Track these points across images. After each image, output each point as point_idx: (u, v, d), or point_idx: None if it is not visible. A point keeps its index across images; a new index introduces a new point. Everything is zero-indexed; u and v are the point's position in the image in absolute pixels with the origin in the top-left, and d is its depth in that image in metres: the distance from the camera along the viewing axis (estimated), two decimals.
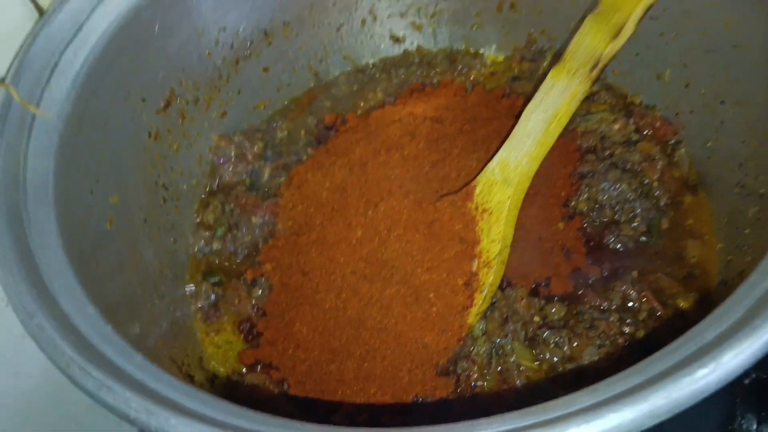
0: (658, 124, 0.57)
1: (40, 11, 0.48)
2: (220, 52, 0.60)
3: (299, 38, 0.64)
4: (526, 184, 0.51)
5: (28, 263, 0.37)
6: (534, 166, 0.50)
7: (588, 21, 0.49)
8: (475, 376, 0.48)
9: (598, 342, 0.47)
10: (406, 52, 0.67)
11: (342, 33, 0.66)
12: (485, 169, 0.51)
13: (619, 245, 0.52)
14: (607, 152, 0.56)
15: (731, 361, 0.28)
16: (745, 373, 0.30)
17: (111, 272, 0.44)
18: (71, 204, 0.43)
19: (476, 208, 0.51)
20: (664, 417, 0.28)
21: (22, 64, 0.45)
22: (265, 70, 0.63)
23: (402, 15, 0.66)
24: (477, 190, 0.51)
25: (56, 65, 0.47)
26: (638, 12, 0.47)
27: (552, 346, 0.48)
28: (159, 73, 0.55)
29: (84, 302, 0.36)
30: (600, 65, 0.48)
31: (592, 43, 0.49)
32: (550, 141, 0.50)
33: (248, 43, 0.61)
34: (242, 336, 0.53)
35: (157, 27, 0.54)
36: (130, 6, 0.51)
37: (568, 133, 0.56)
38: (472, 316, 0.48)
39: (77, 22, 0.48)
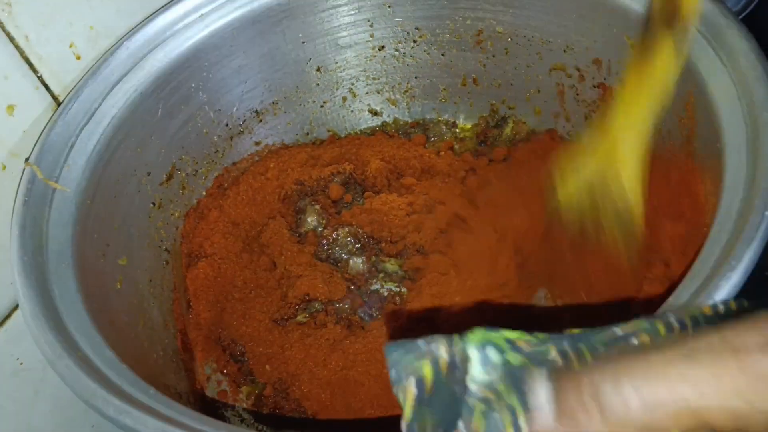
0: None
1: (58, 103, 0.55)
2: (216, 130, 0.67)
3: (287, 115, 0.71)
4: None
5: (54, 316, 0.42)
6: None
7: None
8: None
9: None
10: (384, 124, 0.75)
11: (325, 109, 0.73)
12: None
13: None
14: None
15: None
16: None
17: (123, 325, 0.49)
18: (87, 266, 0.49)
19: None
20: None
21: (44, 146, 0.52)
22: (257, 143, 0.70)
23: (378, 92, 0.74)
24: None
25: (73, 146, 0.53)
26: None
27: None
28: (162, 150, 0.61)
29: (102, 347, 0.41)
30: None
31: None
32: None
33: (241, 122, 0.68)
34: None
35: (159, 111, 0.61)
36: (136, 94, 0.58)
37: None
38: None
39: (90, 110, 0.55)
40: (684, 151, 0.48)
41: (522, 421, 0.26)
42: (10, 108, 0.50)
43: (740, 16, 0.58)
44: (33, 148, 0.52)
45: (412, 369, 0.28)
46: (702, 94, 0.45)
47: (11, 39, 0.48)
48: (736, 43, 0.43)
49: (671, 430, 0.24)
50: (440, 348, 0.29)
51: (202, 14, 0.62)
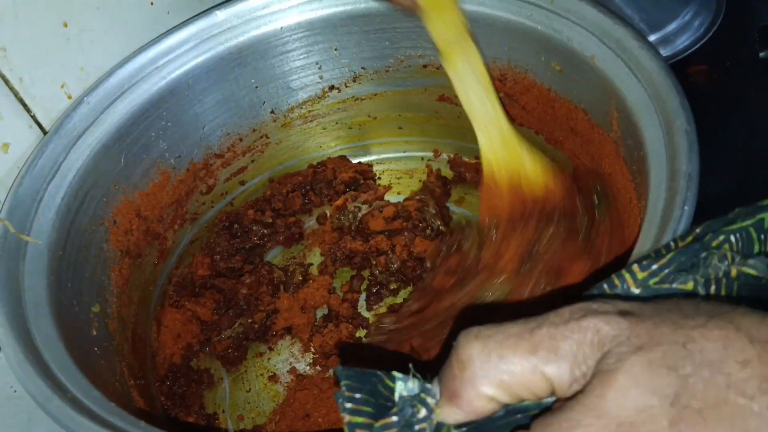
0: None
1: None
2: (175, 177, 0.70)
3: (245, 157, 0.74)
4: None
5: (39, 362, 0.44)
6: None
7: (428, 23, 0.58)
8: None
9: None
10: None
11: (281, 147, 0.77)
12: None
13: None
14: None
15: None
16: None
17: (103, 369, 0.51)
18: (63, 315, 0.50)
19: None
20: None
21: (13, 201, 0.54)
22: (207, 191, 0.73)
23: (332, 129, 0.78)
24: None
25: (41, 200, 0.55)
26: None
27: None
28: (126, 198, 0.64)
29: (89, 388, 0.43)
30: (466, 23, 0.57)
31: (446, 26, 0.57)
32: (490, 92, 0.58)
33: (202, 172, 0.71)
34: None
35: (122, 161, 0.63)
36: (99, 146, 0.60)
37: None
38: None
39: (56, 164, 0.57)
40: (617, 160, 0.53)
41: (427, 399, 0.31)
42: (5, 146, 0.54)
43: (704, 39, 0.65)
44: (2, 204, 0.53)
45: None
46: (623, 108, 0.51)
47: (6, 81, 0.52)
48: (649, 63, 0.49)
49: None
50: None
51: (158, 66, 0.65)
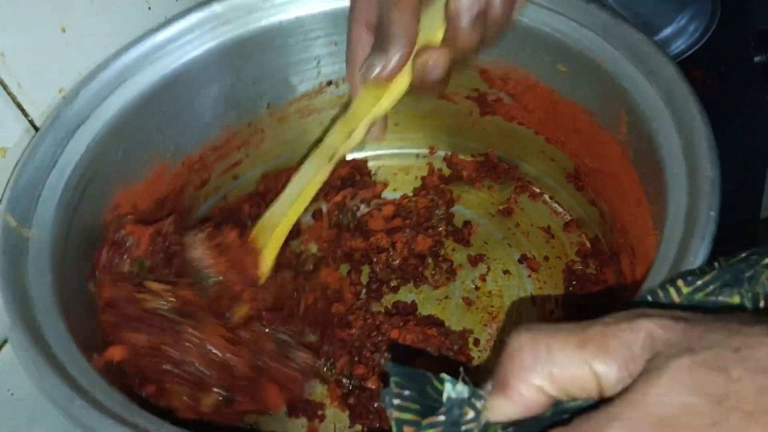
0: None
1: None
2: (173, 168, 0.68)
3: (240, 151, 0.73)
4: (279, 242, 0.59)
5: (53, 361, 0.42)
6: (285, 229, 0.59)
7: (337, 121, 0.57)
8: None
9: None
10: None
11: (278, 142, 0.76)
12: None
13: None
14: None
15: None
16: None
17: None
18: (71, 310, 0.49)
19: None
20: None
21: (12, 195, 0.52)
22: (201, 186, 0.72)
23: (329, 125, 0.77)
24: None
25: (40, 195, 0.53)
26: (365, 122, 0.54)
27: None
28: (124, 192, 0.62)
29: (104, 386, 0.42)
30: (335, 158, 0.57)
31: (334, 140, 0.57)
32: (299, 208, 0.58)
33: (197, 165, 0.70)
34: None
35: (120, 153, 0.61)
36: (98, 137, 0.58)
37: None
38: None
39: (54, 157, 0.55)
40: (624, 163, 0.54)
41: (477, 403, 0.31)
42: (2, 150, 0.52)
43: (699, 44, 0.66)
44: (1, 198, 0.51)
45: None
46: (634, 111, 0.52)
47: (5, 86, 0.51)
48: (663, 67, 0.50)
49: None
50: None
51: (157, 57, 0.63)
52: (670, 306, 0.33)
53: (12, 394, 0.55)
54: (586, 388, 0.29)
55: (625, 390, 0.28)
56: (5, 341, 0.54)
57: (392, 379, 0.31)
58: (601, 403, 0.30)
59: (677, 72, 0.49)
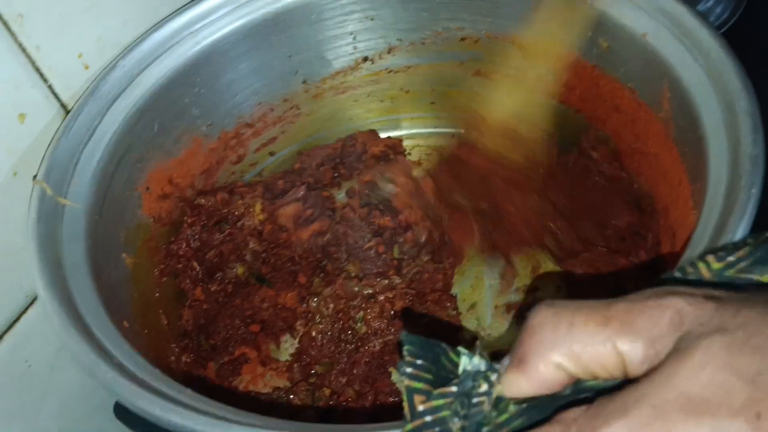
0: None
1: (66, 111, 0.56)
2: (207, 145, 0.69)
3: (275, 127, 0.73)
4: None
5: (83, 327, 0.43)
6: None
7: None
8: None
9: None
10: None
11: (312, 119, 0.76)
12: None
13: None
14: None
15: None
16: None
17: (147, 332, 0.51)
18: (102, 278, 0.50)
19: None
20: None
21: (50, 163, 0.53)
22: (237, 161, 0.72)
23: (364, 101, 0.76)
24: None
25: (77, 163, 0.54)
26: None
27: None
28: (158, 165, 0.63)
29: (130, 353, 0.43)
30: None
31: None
32: None
33: (233, 141, 0.70)
34: None
35: (156, 126, 0.62)
36: (134, 110, 0.59)
37: None
38: None
39: (91, 127, 0.56)
40: (665, 141, 0.52)
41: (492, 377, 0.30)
42: (21, 116, 0.52)
43: (727, 26, 0.63)
44: (39, 166, 0.52)
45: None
46: (677, 87, 0.50)
47: (23, 49, 0.50)
48: (707, 41, 0.48)
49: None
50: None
51: (192, 31, 0.63)
52: (699, 283, 0.31)
53: (29, 366, 0.56)
54: (609, 368, 0.28)
55: (653, 369, 0.27)
56: (24, 311, 0.55)
57: (405, 348, 0.31)
58: (624, 383, 0.29)
59: (722, 45, 0.46)
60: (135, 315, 0.53)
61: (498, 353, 0.31)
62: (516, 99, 0.61)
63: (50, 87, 0.54)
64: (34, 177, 0.52)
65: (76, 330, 0.42)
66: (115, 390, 0.39)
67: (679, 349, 0.27)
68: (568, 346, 0.28)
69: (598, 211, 0.61)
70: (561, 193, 0.62)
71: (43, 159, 0.53)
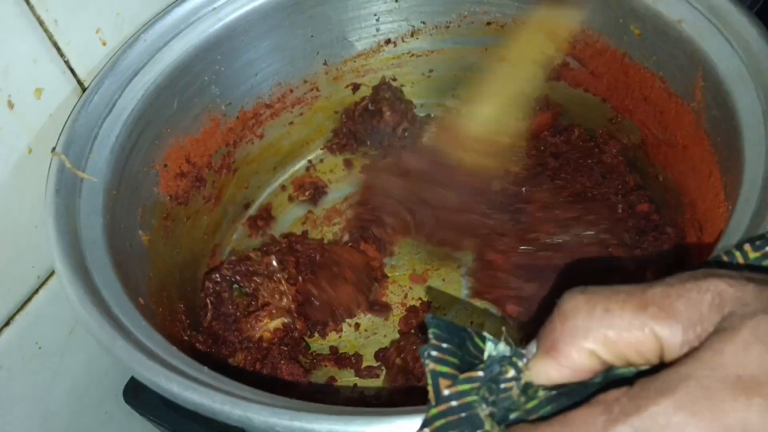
0: None
1: (83, 88, 0.55)
2: (225, 125, 0.68)
3: (295, 108, 0.72)
4: None
5: (100, 303, 0.42)
6: None
7: None
8: None
9: None
10: None
11: (332, 101, 0.75)
12: None
13: None
14: None
15: None
16: None
17: (162, 310, 0.50)
18: (119, 254, 0.49)
19: None
20: None
21: (69, 136, 0.52)
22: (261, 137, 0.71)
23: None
24: None
25: (96, 137, 0.54)
26: None
27: None
28: (176, 143, 0.62)
29: (148, 329, 0.42)
30: None
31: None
32: None
33: (251, 121, 0.69)
34: None
35: (175, 103, 0.61)
36: (154, 86, 0.58)
37: None
38: None
39: (111, 101, 0.55)
40: (696, 132, 0.51)
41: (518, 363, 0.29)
42: (38, 91, 0.51)
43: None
44: (58, 138, 0.52)
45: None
46: (711, 77, 0.48)
47: (41, 23, 0.49)
48: (745, 29, 0.46)
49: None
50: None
51: (215, 8, 0.62)
52: (737, 267, 0.30)
53: (40, 348, 0.55)
54: (645, 353, 0.27)
55: (695, 350, 0.26)
56: (35, 292, 0.54)
57: (431, 331, 0.30)
58: (661, 368, 0.28)
59: (762, 33, 0.45)
60: (150, 293, 0.52)
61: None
62: (499, 104, 0.61)
63: (67, 62, 0.53)
64: (53, 149, 0.51)
65: (92, 303, 0.41)
66: (132, 365, 0.38)
67: (724, 328, 0.26)
68: (603, 333, 0.27)
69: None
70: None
71: (61, 132, 0.52)
